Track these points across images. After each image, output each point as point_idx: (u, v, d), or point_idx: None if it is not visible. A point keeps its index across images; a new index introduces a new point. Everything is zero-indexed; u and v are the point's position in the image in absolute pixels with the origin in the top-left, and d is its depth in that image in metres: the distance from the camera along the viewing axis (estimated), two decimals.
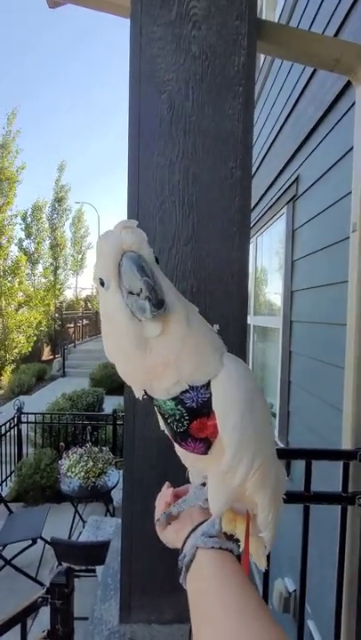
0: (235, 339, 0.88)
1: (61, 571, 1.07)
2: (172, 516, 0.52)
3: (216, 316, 0.87)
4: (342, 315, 1.40)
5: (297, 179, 2.16)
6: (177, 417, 0.42)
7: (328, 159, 1.72)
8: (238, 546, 0.47)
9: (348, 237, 1.37)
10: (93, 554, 2.50)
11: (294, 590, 1.95)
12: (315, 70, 1.86)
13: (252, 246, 3.68)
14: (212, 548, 0.42)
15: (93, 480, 3.34)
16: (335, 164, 1.65)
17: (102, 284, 0.38)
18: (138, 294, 0.36)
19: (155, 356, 0.38)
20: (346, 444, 1.25)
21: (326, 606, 1.51)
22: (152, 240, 0.87)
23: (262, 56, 3.14)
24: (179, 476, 0.91)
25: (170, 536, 0.50)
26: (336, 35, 1.59)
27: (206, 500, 0.48)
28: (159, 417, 0.47)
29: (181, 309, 0.39)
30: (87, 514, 3.94)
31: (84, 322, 16.29)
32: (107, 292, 0.38)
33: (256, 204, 3.20)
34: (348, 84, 1.48)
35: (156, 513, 0.53)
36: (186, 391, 0.40)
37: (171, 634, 0.89)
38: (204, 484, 0.51)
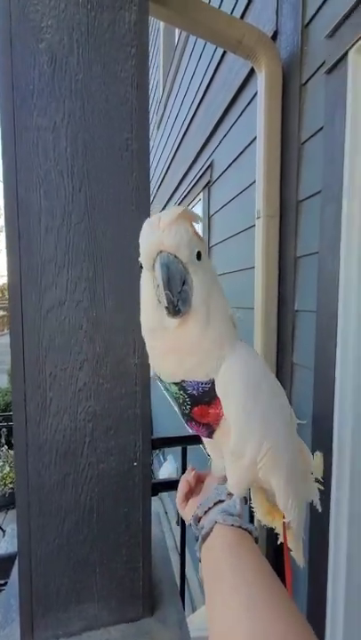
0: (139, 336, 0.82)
1: None
2: (192, 495, 0.56)
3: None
4: (251, 300, 1.45)
5: (211, 164, 2.17)
6: (180, 400, 0.45)
7: (237, 146, 1.75)
8: (257, 529, 0.48)
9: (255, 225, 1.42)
10: (10, 566, 2.29)
11: None
12: (224, 53, 1.86)
13: None
14: (232, 525, 0.43)
15: (11, 486, 3.06)
16: (243, 151, 1.68)
17: (141, 266, 0.42)
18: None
19: (166, 342, 0.43)
20: None
21: None
22: (36, 216, 0.75)
23: (176, 36, 3.06)
24: (81, 478, 0.84)
25: (190, 511, 0.52)
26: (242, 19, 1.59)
27: (228, 494, 0.50)
28: (170, 399, 0.50)
29: (203, 313, 0.41)
30: (8, 522, 3.61)
31: (1, 313, 14.74)
32: (143, 274, 0.43)
33: (175, 189, 3.17)
34: (252, 71, 1.50)
35: (178, 493, 0.56)
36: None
37: None
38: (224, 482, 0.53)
